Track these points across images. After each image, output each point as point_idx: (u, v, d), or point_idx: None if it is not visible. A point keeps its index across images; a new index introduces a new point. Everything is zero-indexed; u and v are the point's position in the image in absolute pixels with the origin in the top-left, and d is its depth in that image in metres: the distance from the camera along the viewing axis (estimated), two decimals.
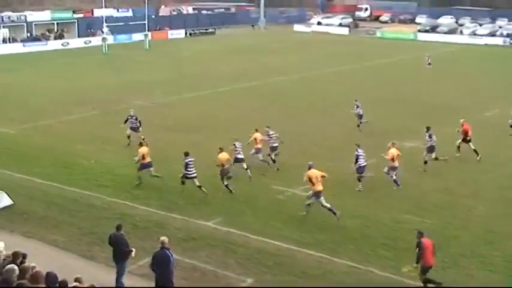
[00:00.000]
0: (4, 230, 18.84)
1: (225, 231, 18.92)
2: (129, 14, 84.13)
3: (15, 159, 26.04)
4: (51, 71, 53.19)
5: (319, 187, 19.60)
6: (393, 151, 22.65)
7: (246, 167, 23.79)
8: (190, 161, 21.79)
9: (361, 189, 22.45)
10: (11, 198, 20.83)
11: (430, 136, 24.91)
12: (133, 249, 15.16)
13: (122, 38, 77.91)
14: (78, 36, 76.72)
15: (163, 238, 14.55)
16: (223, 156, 22.35)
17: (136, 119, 28.29)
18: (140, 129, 28.04)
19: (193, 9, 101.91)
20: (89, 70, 53.80)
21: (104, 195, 21.70)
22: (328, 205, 19.60)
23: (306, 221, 19.76)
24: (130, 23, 78.15)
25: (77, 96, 40.49)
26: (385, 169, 22.93)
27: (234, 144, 24.01)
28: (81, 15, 79.20)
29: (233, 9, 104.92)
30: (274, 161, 25.05)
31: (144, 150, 22.79)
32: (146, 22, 71.02)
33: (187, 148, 22.95)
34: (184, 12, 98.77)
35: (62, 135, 30.24)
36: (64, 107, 36.99)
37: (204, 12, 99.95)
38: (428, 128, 25.04)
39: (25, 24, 73.26)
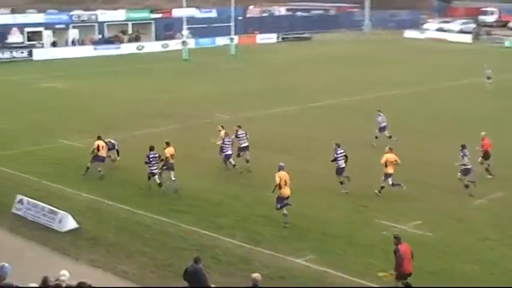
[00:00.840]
0: (69, 256, 19.47)
1: (318, 271, 18.73)
2: (213, 14, 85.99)
3: (83, 177, 26.99)
4: (124, 78, 55.08)
5: (287, 191, 22.01)
6: (388, 156, 24.61)
7: (233, 163, 27.52)
8: (154, 156, 24.90)
9: (347, 190, 24.93)
10: (77, 221, 21.55)
11: (464, 155, 25.33)
12: (214, 286, 15.26)
13: (205, 42, 79.76)
14: (156, 39, 79.11)
15: (255, 275, 14.50)
16: (171, 150, 25.74)
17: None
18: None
19: (287, 10, 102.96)
20: (166, 78, 55.33)
21: (181, 223, 22.03)
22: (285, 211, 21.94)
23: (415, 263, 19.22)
24: (214, 25, 79.88)
25: (153, 107, 41.64)
26: (382, 178, 24.75)
27: (223, 139, 27.76)
28: (159, 16, 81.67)
29: (333, 11, 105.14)
30: (247, 161, 28.22)
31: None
32: (232, 24, 72.26)
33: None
34: (276, 13, 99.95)
35: (135, 151, 31.04)
36: (138, 119, 38.11)
37: (299, 13, 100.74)
38: (463, 146, 25.47)
39: (96, 24, 76.34)
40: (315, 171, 27.82)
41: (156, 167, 25.05)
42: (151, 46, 76.34)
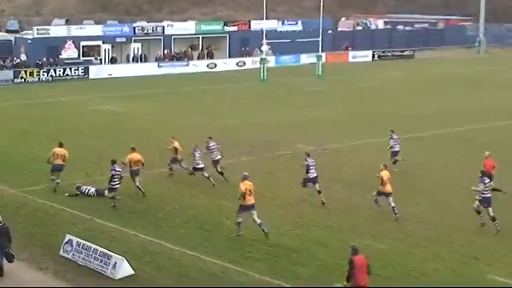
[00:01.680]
0: None
1: None
2: (298, 27, 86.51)
3: (141, 216, 27.40)
4: (192, 101, 55.96)
5: (251, 200, 25.00)
6: (385, 173, 27.40)
7: (207, 175, 31.27)
8: (116, 173, 28.00)
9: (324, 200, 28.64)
10: (132, 267, 21.83)
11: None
12: None
13: (287, 59, 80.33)
14: (229, 56, 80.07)
15: None
16: (135, 156, 29.63)
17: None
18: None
19: (385, 23, 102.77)
20: (241, 101, 55.88)
21: (253, 272, 22.04)
22: (259, 221, 24.88)
23: None
24: (299, 40, 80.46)
25: (223, 135, 42.06)
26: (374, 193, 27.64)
27: (193, 154, 31.45)
28: (234, 29, 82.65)
29: (441, 25, 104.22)
30: (221, 174, 31.88)
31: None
32: (320, 39, 72.44)
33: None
34: (373, 27, 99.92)
35: (201, 187, 31.37)
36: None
37: (399, 27, 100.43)
38: (483, 173, 26.71)
39: (162, 38, 77.92)
40: (414, 213, 27.42)
41: (118, 183, 28.23)
42: (225, 64, 77.36)
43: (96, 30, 76.40)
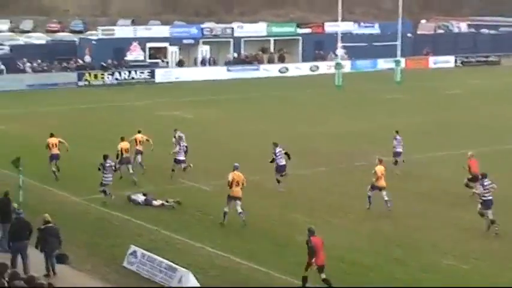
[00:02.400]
0: None
1: None
2: (375, 30, 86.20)
3: (208, 228, 27.57)
4: (262, 107, 56.16)
5: (238, 192, 27.47)
6: (379, 168, 29.46)
7: (184, 166, 34.39)
8: (109, 165, 29.97)
9: (282, 189, 30.93)
10: (199, 281, 21.95)
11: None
12: None
13: (363, 64, 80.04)
14: (302, 60, 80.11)
15: None
16: (125, 145, 33.53)
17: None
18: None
19: (468, 26, 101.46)
20: (314, 109, 55.84)
21: None
22: (240, 210, 27.45)
23: None
24: (376, 43, 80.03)
25: (296, 144, 42.03)
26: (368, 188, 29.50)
27: (179, 144, 34.61)
28: (307, 31, 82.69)
29: None
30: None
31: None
32: (399, 43, 71.92)
33: None
34: (455, 30, 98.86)
35: (276, 198, 31.45)
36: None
37: (484, 31, 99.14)
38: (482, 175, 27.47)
39: (232, 40, 78.36)
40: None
41: (109, 177, 30.10)
42: (297, 69, 77.48)
43: (163, 31, 77.34)
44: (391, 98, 60.53)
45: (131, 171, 33.12)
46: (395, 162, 35.59)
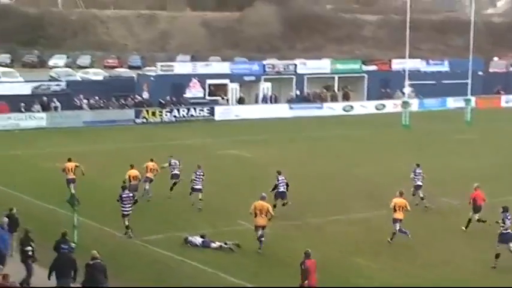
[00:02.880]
0: None
1: None
2: (445, 68, 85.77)
3: (269, 270, 27.72)
4: (325, 147, 56.22)
5: (261, 221, 29.62)
6: (396, 201, 31.15)
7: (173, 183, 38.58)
8: (126, 196, 31.28)
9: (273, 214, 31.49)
10: None
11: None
12: None
13: (432, 103, 79.70)
14: (367, 98, 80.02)
15: None
16: (133, 172, 36.47)
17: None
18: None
19: None
20: (380, 149, 55.72)
21: None
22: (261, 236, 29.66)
23: None
24: (445, 81, 79.67)
25: (359, 186, 42.05)
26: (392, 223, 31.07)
27: (169, 162, 38.61)
28: (373, 68, 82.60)
29: None
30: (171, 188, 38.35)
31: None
32: (469, 81, 71.53)
33: None
34: None
35: (334, 242, 31.40)
36: (340, 200, 38.63)
37: None
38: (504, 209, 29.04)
39: (294, 77, 78.68)
40: None
41: (129, 208, 31.33)
42: (362, 107, 77.45)
43: (223, 67, 77.92)
44: (460, 139, 60.07)
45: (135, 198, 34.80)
46: (419, 196, 37.25)
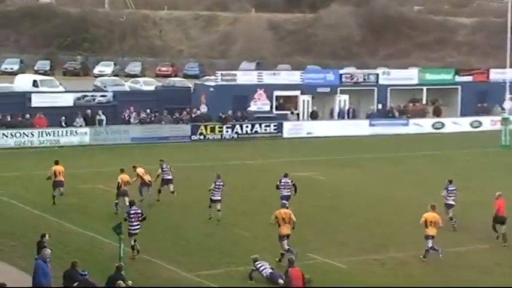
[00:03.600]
0: None
1: None
2: None
3: None
4: (410, 169, 56.07)
5: (285, 230, 32.52)
6: (427, 216, 33.18)
7: (172, 189, 43.49)
8: (134, 212, 33.04)
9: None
10: None
11: None
12: None
13: None
14: (461, 114, 79.19)
15: None
16: (124, 177, 40.86)
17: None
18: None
19: None
20: (474, 172, 55.46)
21: None
22: (286, 247, 32.35)
23: None
24: None
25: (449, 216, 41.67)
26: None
27: (161, 167, 43.78)
28: (468, 79, 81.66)
29: None
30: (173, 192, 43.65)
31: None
32: None
33: None
34: None
35: (425, 277, 31.19)
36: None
37: None
38: None
39: (376, 88, 78.24)
40: None
41: (137, 226, 32.96)
42: (455, 124, 76.81)
43: (293, 77, 77.77)
44: None
45: (127, 203, 37.83)
46: (449, 216, 38.60)
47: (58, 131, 64.09)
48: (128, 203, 37.17)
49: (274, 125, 71.14)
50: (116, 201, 40.78)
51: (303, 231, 38.22)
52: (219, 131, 69.30)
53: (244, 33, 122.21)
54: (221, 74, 76.30)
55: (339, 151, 63.05)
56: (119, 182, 40.61)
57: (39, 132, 63.36)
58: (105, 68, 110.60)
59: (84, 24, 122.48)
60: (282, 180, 40.67)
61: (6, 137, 61.63)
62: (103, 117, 67.13)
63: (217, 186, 39.67)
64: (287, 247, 32.45)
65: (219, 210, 39.44)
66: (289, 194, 40.26)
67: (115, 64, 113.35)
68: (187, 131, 68.48)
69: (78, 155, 58.27)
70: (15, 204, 43.04)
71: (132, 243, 32.76)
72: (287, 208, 33.74)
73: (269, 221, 33.94)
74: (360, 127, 73.73)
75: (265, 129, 70.73)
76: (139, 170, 42.76)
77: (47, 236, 29.04)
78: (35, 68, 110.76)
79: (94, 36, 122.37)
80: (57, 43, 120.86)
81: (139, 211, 33.48)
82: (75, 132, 64.80)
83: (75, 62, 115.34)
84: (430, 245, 32.87)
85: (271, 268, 30.68)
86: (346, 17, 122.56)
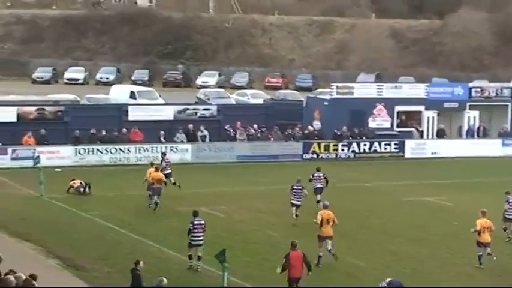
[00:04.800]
0: None
1: None
2: None
3: None
4: None
5: (328, 231, 36.20)
6: (480, 222, 36.38)
7: (173, 181, 50.61)
8: (198, 223, 35.34)
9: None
10: None
11: None
12: None
13: None
14: None
15: None
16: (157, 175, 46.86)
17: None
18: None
19: None
20: None
21: None
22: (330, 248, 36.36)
23: None
24: None
25: None
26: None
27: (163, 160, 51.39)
28: None
29: None
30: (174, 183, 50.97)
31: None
32: None
33: None
34: None
35: None
36: None
37: None
38: None
39: (510, 104, 77.08)
40: None
41: (201, 237, 35.29)
42: None
43: (417, 90, 76.98)
44: None
45: (156, 199, 46.38)
46: (505, 229, 41.15)
47: (157, 147, 63.96)
48: (157, 199, 46.23)
49: (395, 144, 70.67)
50: (154, 198, 46.76)
51: (427, 261, 38.09)
52: (334, 150, 69.15)
53: (362, 41, 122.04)
54: (336, 86, 75.91)
55: (468, 174, 62.34)
56: (147, 178, 47.58)
57: (136, 148, 63.73)
58: (208, 78, 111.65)
59: (186, 31, 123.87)
60: (315, 174, 48.14)
61: (101, 152, 61.97)
62: (206, 132, 67.32)
63: (295, 191, 44.34)
64: (329, 247, 36.42)
65: (296, 215, 44.31)
66: (322, 186, 47.73)
67: (220, 74, 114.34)
68: (299, 149, 68.42)
69: (178, 174, 58.75)
70: (111, 227, 43.66)
71: (197, 253, 35.43)
72: (328, 207, 37.51)
73: (387, 248, 34.04)
74: (491, 147, 72.83)
75: (385, 148, 70.33)
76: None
77: (141, 263, 29.47)
78: (133, 78, 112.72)
79: (197, 43, 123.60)
80: (157, 51, 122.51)
81: (203, 222, 35.73)
82: (176, 148, 64.90)
83: (176, 72, 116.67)
84: (489, 251, 36.75)
85: None
86: (477, 24, 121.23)
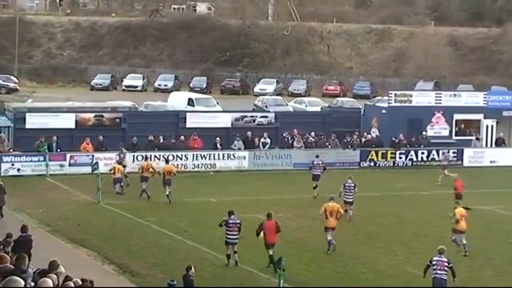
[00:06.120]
0: None
1: None
2: None
3: None
4: None
5: (332, 223, 39.60)
6: (457, 211, 40.19)
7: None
8: (232, 222, 37.22)
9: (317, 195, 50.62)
10: None
11: None
12: None
13: None
14: None
15: None
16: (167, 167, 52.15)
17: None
18: None
19: None
20: None
21: None
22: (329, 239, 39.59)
23: None
24: None
25: None
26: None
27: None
28: None
29: None
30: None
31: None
32: None
33: None
34: None
35: None
36: None
37: None
38: None
39: None
40: None
41: (235, 235, 37.15)
42: None
43: (475, 98, 76.43)
44: None
45: (167, 192, 50.94)
46: None
47: (214, 154, 64.41)
48: (168, 192, 50.73)
49: (454, 152, 70.08)
50: (166, 191, 50.79)
51: (483, 271, 37.83)
52: (391, 158, 68.81)
53: (421, 49, 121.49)
54: (395, 94, 75.60)
55: None
56: (159, 172, 52.18)
57: (193, 155, 63.77)
58: (266, 86, 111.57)
59: (244, 38, 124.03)
60: (314, 162, 54.73)
61: (159, 159, 61.35)
62: (268, 140, 67.23)
63: (348, 188, 47.28)
64: (329, 238, 39.48)
65: (346, 210, 45.92)
66: (319, 173, 54.08)
67: (277, 82, 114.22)
68: (356, 156, 68.20)
69: (235, 182, 58.86)
70: (166, 233, 43.93)
71: (229, 252, 37.36)
72: (334, 200, 41.36)
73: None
74: None
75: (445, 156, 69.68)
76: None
77: (192, 268, 29.57)
78: (191, 85, 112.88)
79: (255, 51, 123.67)
80: (215, 58, 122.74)
81: (238, 221, 37.51)
82: (233, 155, 65.12)
83: (234, 79, 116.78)
84: (464, 242, 39.81)
85: None
86: None
